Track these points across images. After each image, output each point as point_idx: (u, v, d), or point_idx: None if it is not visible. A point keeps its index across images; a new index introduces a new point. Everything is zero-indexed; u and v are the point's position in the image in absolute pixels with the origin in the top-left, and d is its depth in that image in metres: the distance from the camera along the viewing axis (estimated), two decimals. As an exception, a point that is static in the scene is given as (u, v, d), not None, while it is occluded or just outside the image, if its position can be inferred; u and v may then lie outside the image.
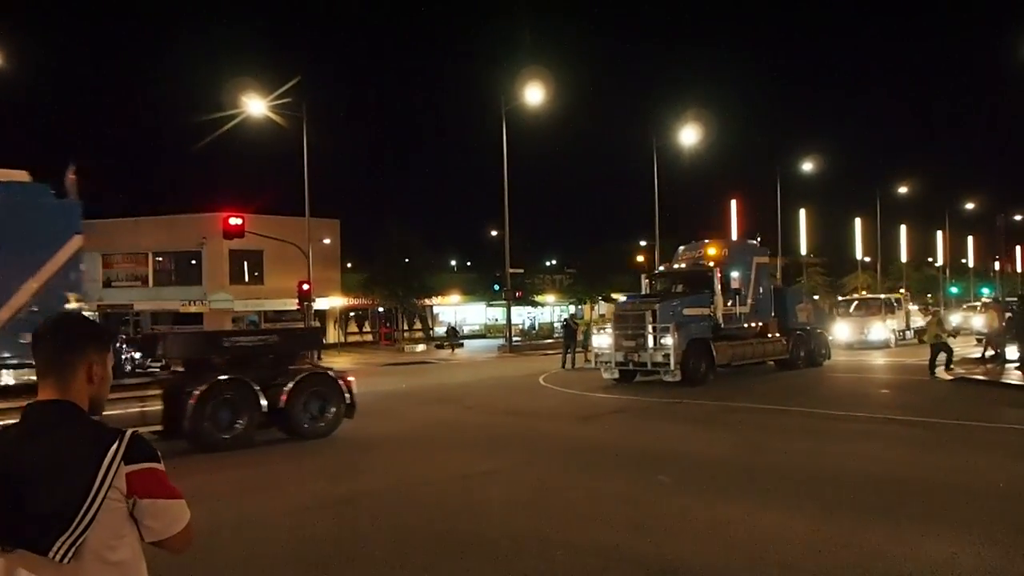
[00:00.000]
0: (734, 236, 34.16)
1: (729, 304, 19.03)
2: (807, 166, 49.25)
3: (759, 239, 21.14)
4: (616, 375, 18.81)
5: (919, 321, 34.18)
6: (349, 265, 51.61)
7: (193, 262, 43.64)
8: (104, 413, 2.09)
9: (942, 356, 19.03)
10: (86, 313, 10.23)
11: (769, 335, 20.66)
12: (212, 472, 9.48)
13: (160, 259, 45.08)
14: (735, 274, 19.42)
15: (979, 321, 30.31)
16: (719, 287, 18.72)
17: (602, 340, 19.52)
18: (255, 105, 28.77)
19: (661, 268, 21.50)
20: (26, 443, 1.88)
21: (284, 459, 10.28)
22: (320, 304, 40.66)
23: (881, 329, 30.92)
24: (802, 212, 54.05)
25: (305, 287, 30.47)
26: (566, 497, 7.72)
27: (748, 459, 9.40)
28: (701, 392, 16.41)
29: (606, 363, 19.05)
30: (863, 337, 30.71)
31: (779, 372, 20.71)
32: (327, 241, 44.22)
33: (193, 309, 41.95)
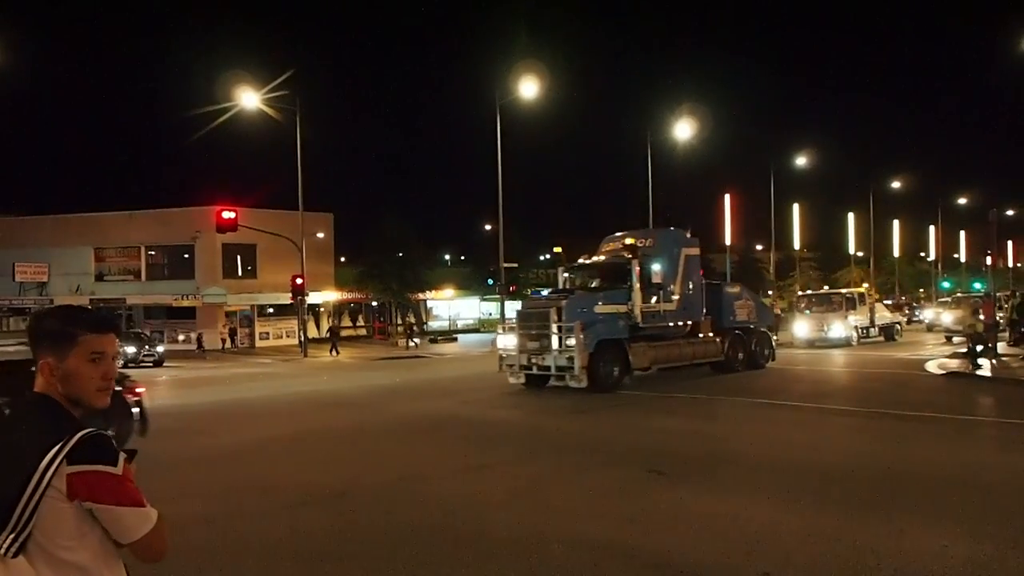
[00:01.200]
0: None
1: (652, 300, 17.16)
2: (801, 161, 49.34)
3: (690, 229, 18.93)
4: (522, 379, 17.01)
5: (889, 316, 33.56)
6: (343, 259, 51.57)
7: (186, 256, 43.47)
8: None
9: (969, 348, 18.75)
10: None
11: (701, 335, 18.68)
12: (206, 469, 9.46)
13: (153, 253, 44.91)
14: (657, 267, 17.34)
15: (949, 317, 30.26)
16: (637, 281, 16.74)
17: (506, 340, 17.55)
18: (249, 99, 28.69)
19: (581, 260, 19.13)
20: None
21: (278, 455, 10.26)
22: (314, 298, 40.60)
23: (841, 326, 29.57)
24: (795, 207, 54.17)
25: (299, 281, 30.42)
26: (560, 491, 7.74)
27: (742, 453, 9.43)
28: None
29: (510, 366, 17.23)
30: (822, 334, 29.54)
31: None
32: (321, 235, 44.14)
33: (186, 303, 41.83)
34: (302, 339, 34.53)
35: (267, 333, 43.55)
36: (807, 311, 31.18)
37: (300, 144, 30.89)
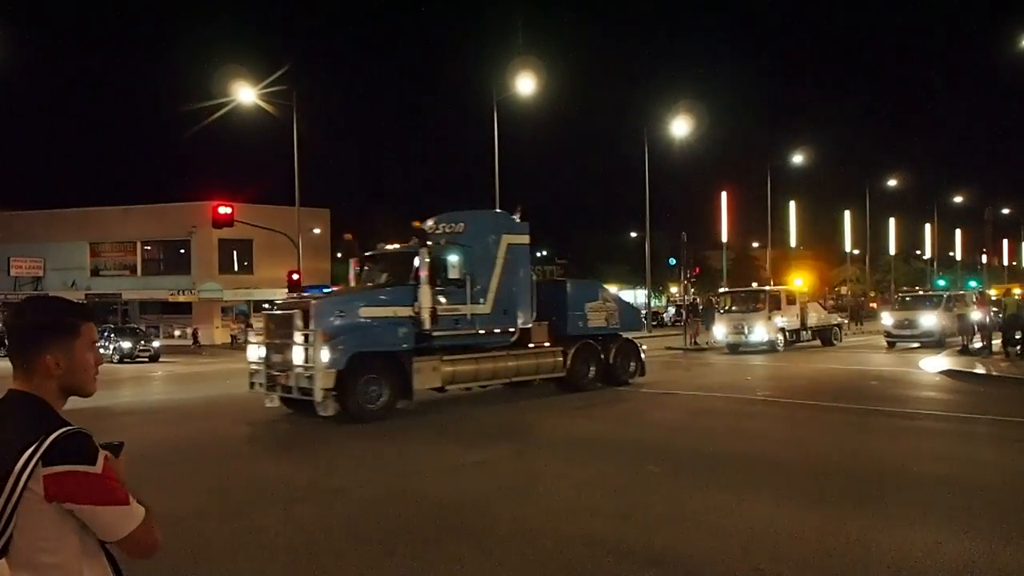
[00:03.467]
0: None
1: (455, 301, 13.26)
2: (797, 159, 49.42)
3: (519, 212, 14.91)
4: (276, 402, 12.99)
5: (826, 318, 29.31)
6: (339, 255, 51.50)
7: (182, 251, 43.44)
8: None
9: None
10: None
11: (532, 345, 14.81)
12: (200, 464, 9.46)
13: (149, 248, 44.88)
14: (455, 258, 13.35)
15: (890, 320, 27.16)
16: (426, 276, 12.69)
17: (253, 351, 13.53)
18: (245, 93, 28.59)
19: (381, 247, 15.24)
20: None
21: (273, 452, 10.26)
22: (310, 294, 40.50)
23: (763, 328, 25.61)
24: (792, 204, 54.29)
25: (295, 277, 30.40)
26: (555, 487, 7.75)
27: (736, 450, 9.46)
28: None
29: (259, 384, 13.14)
30: (743, 338, 25.89)
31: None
32: (317, 231, 44.11)
33: (182, 298, 41.81)
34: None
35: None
36: (727, 310, 27.75)
37: (297, 139, 30.82)
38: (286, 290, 30.61)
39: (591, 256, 58.47)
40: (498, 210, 15.35)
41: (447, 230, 14.35)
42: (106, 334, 30.07)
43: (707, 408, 13.42)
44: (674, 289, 64.29)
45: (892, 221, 66.52)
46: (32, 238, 43.38)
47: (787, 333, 26.31)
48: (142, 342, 31.61)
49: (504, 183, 33.12)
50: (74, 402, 1.99)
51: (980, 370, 17.60)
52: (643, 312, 31.47)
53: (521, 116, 38.48)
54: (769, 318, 25.71)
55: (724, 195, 46.02)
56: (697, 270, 55.65)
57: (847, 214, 60.96)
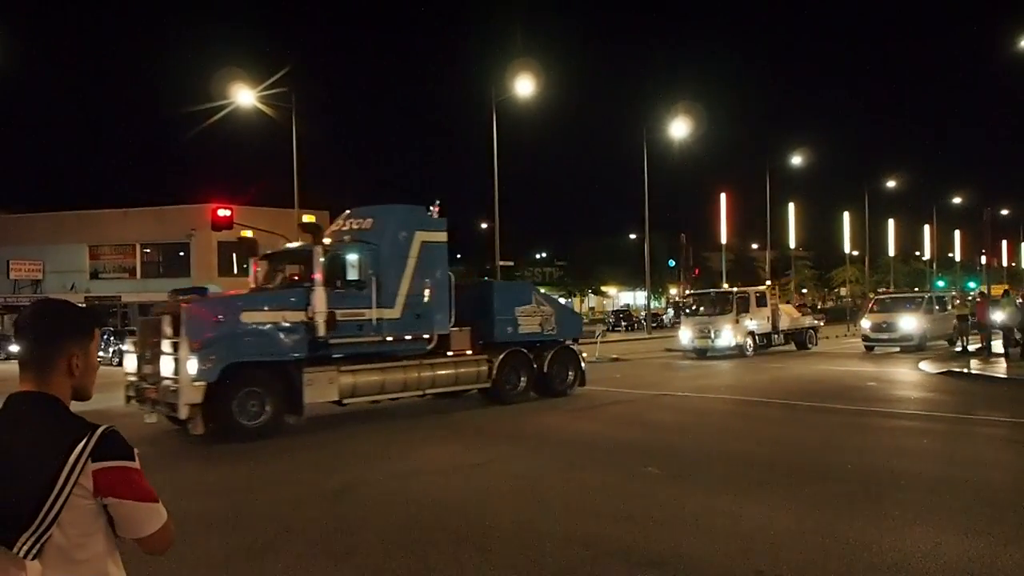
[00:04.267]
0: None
1: (356, 304, 12.04)
2: (796, 160, 49.45)
3: (437, 205, 13.61)
4: (154, 419, 11.35)
5: (800, 320, 28.18)
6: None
7: (181, 254, 43.44)
8: None
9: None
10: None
11: (451, 352, 13.52)
12: (202, 466, 9.46)
13: (148, 250, 44.87)
14: (354, 256, 12.17)
15: (867, 323, 25.90)
16: (320, 276, 11.52)
17: (129, 362, 12.30)
18: (245, 96, 28.60)
19: (281, 246, 14.29)
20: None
21: (274, 452, 10.26)
22: (309, 296, 40.49)
23: (730, 332, 24.35)
24: (791, 206, 54.31)
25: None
26: (555, 489, 7.76)
27: (736, 451, 9.46)
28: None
29: (132, 398, 11.98)
30: (709, 342, 24.59)
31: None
32: (316, 233, 44.04)
33: (181, 301, 41.73)
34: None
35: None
36: (692, 313, 26.53)
37: (296, 141, 30.83)
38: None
39: (590, 258, 58.47)
40: (413, 205, 13.69)
41: (354, 226, 13.16)
42: (106, 337, 30.03)
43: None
44: (673, 291, 64.35)
45: (891, 222, 66.54)
46: (31, 241, 43.37)
47: (757, 337, 25.22)
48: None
49: (503, 185, 33.15)
50: (74, 405, 2.00)
51: (978, 371, 17.61)
52: (643, 313, 31.30)
53: (521, 118, 38.60)
54: (737, 321, 24.46)
55: (723, 197, 46.00)
56: (696, 271, 55.74)
57: (846, 215, 60.98)
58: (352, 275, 12.12)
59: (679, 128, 37.75)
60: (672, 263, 50.36)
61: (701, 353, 24.91)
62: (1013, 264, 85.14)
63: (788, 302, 35.12)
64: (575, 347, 15.83)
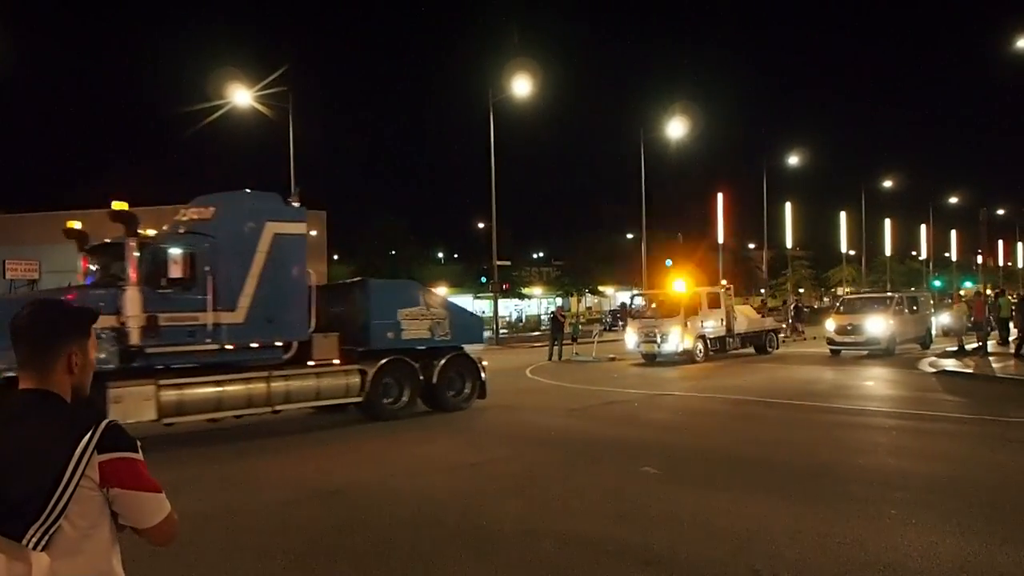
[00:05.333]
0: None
1: (186, 306, 10.54)
2: (793, 160, 49.56)
3: (297, 192, 12.38)
4: None
5: (759, 323, 26.17)
6: (336, 257, 51.54)
7: (178, 253, 43.28)
8: None
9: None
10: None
11: (312, 362, 11.89)
12: (199, 465, 9.45)
13: (145, 250, 44.70)
14: (178, 251, 10.55)
15: (875, 325, 23.12)
16: (133, 273, 10.08)
17: None
18: (242, 95, 28.58)
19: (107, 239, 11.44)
20: (1, 432, 1.87)
21: (271, 452, 10.25)
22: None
23: (677, 336, 22.21)
24: (788, 206, 54.39)
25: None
26: (552, 488, 7.76)
27: (733, 451, 9.48)
28: None
29: None
30: (655, 347, 22.57)
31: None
32: (313, 233, 43.75)
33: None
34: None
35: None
36: (639, 315, 24.60)
37: (293, 141, 30.80)
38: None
39: (587, 257, 58.48)
40: (255, 192, 11.91)
41: (193, 216, 11.53)
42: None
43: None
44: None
45: (888, 222, 66.68)
46: (27, 240, 43.20)
47: (709, 341, 23.14)
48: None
49: (501, 184, 33.17)
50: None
51: (976, 370, 17.65)
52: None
53: (518, 117, 38.57)
54: (685, 324, 22.31)
55: (720, 196, 46.09)
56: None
57: (843, 215, 61.11)
58: (176, 272, 10.44)
59: (676, 128, 37.82)
60: (669, 263, 50.44)
61: (651, 358, 23.03)
62: (1009, 264, 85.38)
63: (763, 302, 34.04)
64: (474, 355, 13.95)
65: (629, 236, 57.85)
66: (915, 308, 25.37)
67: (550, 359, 24.83)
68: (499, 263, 35.95)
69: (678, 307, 22.78)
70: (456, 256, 68.77)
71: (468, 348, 14.01)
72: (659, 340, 22.46)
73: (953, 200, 67.49)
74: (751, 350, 25.31)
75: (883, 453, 9.11)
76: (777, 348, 26.37)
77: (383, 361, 12.51)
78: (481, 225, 52.23)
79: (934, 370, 18.47)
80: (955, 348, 22.74)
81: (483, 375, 13.94)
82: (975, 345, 22.04)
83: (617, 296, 69.72)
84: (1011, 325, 23.39)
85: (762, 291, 55.34)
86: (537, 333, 42.95)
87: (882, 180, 60.16)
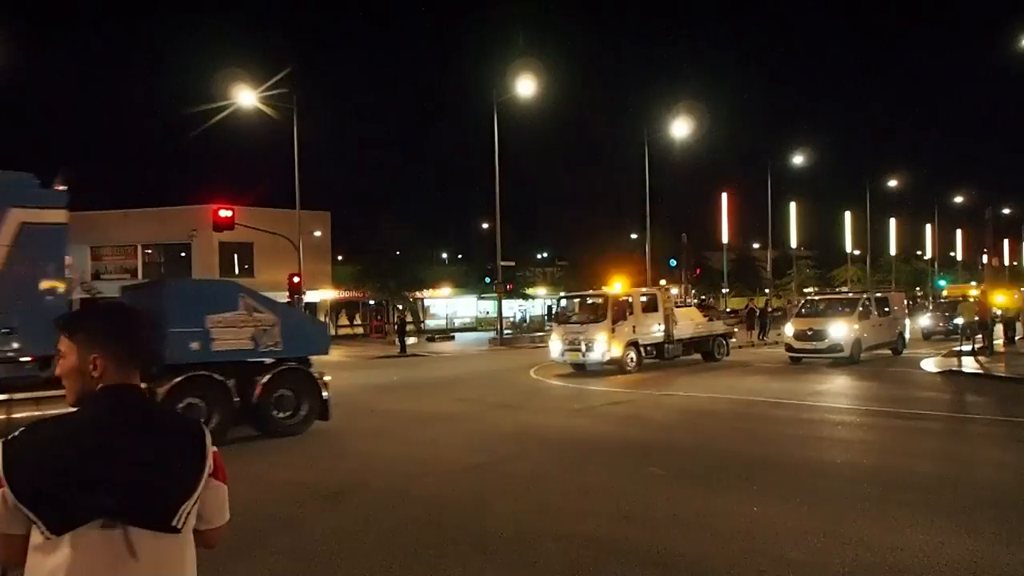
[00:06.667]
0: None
1: None
2: (798, 160, 49.48)
3: (61, 176, 10.70)
4: None
5: (705, 327, 23.04)
6: (340, 258, 51.59)
7: (183, 254, 43.44)
8: None
9: None
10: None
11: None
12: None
13: (149, 251, 44.86)
14: None
15: (838, 330, 20.54)
16: None
17: None
18: (246, 97, 28.65)
19: None
20: (139, 429, 1.90)
21: (273, 453, 10.26)
22: (311, 297, 40.59)
23: (603, 343, 19.56)
24: (792, 205, 54.31)
25: (296, 280, 30.38)
26: (558, 489, 7.75)
27: (740, 451, 9.46)
28: None
29: None
30: (580, 356, 19.97)
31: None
32: (318, 233, 44.10)
33: (183, 302, 41.73)
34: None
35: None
36: (565, 320, 21.79)
37: (297, 142, 30.86)
38: (287, 293, 30.64)
39: (592, 258, 58.45)
40: (11, 171, 9.85)
41: None
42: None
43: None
44: (675, 291, 64.27)
45: (892, 221, 66.56)
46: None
47: (643, 348, 20.66)
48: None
49: (505, 184, 33.18)
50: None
51: (977, 370, 17.60)
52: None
53: (522, 118, 38.61)
54: (613, 330, 19.76)
55: (725, 196, 46.06)
56: (698, 271, 55.68)
57: (847, 215, 61.01)
58: None
59: (680, 128, 37.83)
60: (673, 263, 50.39)
61: (579, 367, 20.66)
62: (1015, 263, 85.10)
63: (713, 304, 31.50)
64: (313, 369, 11.68)
65: (633, 236, 57.82)
66: (886, 310, 22.99)
67: (553, 359, 24.79)
68: (503, 263, 35.95)
69: (604, 311, 20.26)
70: (460, 257, 68.78)
71: (313, 360, 11.91)
72: (583, 348, 19.91)
73: (959, 199, 67.33)
74: (697, 357, 22.99)
75: (888, 453, 9.08)
76: (728, 355, 23.71)
77: (179, 379, 10.14)
78: (485, 225, 52.25)
79: (936, 370, 18.41)
80: (958, 349, 22.65)
81: (325, 392, 11.61)
82: (979, 345, 21.97)
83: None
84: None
85: (763, 291, 55.32)
86: (541, 334, 42.93)
87: (887, 179, 60.07)
